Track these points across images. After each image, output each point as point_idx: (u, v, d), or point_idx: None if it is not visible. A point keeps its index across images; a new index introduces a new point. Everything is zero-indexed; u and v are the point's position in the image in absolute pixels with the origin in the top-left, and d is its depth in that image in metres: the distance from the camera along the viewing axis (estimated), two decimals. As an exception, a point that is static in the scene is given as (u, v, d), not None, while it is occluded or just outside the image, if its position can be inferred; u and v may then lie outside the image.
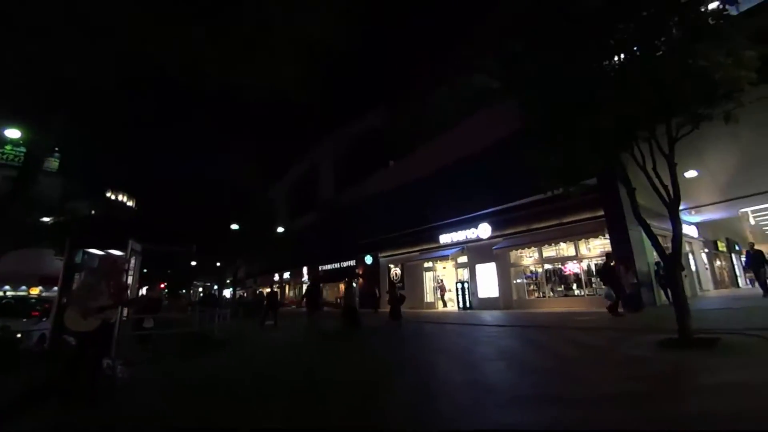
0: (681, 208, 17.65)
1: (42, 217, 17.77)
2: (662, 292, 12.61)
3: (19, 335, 7.98)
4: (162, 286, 35.69)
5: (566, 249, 15.22)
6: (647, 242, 13.54)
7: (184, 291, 55.05)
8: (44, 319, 9.25)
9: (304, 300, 13.77)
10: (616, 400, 3.46)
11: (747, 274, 21.71)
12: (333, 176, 30.75)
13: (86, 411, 3.79)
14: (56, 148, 32.84)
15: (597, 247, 14.55)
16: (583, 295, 14.37)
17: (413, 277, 20.81)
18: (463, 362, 5.72)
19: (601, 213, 13.50)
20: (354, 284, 14.35)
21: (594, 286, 14.29)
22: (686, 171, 13.19)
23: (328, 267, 28.45)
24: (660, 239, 13.98)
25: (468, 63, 18.53)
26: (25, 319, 9.02)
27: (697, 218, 19.28)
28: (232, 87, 8.39)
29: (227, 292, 38.61)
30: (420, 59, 22.26)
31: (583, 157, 7.23)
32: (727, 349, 5.18)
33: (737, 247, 24.57)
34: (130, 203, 36.60)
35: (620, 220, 12.69)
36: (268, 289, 26.14)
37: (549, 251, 15.66)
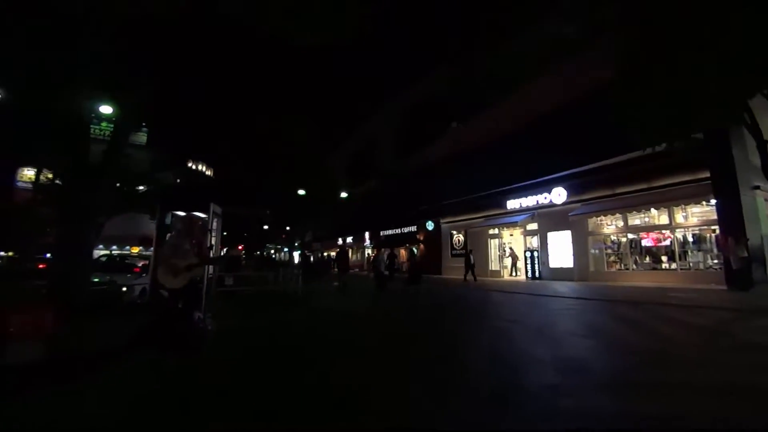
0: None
1: (136, 185, 19.81)
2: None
3: (123, 288, 9.07)
4: (240, 247, 38.99)
5: (657, 217, 13.46)
6: (762, 210, 11.50)
7: (258, 252, 59.93)
8: (144, 275, 10.45)
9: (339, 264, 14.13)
10: (746, 392, 2.87)
11: None
12: (394, 140, 30.25)
13: (180, 357, 4.10)
14: (143, 124, 36.13)
15: (696, 215, 12.66)
16: (676, 269, 12.74)
17: (477, 244, 20.07)
18: (546, 337, 5.27)
19: (704, 175, 11.57)
20: (384, 252, 14.49)
21: (689, 259, 12.59)
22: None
23: (389, 232, 28.66)
24: (766, 206, 11.87)
25: (542, 8, 16.50)
26: (128, 275, 10.21)
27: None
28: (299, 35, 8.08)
29: (296, 255, 41.17)
30: (485, 6, 20.18)
31: (701, 100, 6.01)
32: None
33: None
34: (208, 172, 39.73)
35: (731, 183, 10.74)
36: (335, 251, 27.18)
37: (635, 219, 13.99)
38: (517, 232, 18.56)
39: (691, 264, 12.62)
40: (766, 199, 11.30)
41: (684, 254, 12.79)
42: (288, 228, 40.12)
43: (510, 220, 18.03)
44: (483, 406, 2.78)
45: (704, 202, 11.93)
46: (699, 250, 12.47)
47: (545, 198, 16.61)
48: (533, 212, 17.20)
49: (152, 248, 10.00)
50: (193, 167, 37.57)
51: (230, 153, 26.02)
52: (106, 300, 6.73)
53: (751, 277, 9.64)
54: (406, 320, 7.36)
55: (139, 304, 7.62)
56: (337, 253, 15.56)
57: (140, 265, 11.24)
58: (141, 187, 22.78)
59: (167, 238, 5.03)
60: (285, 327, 6.43)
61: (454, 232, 21.99)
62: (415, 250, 16.33)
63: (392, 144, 30.06)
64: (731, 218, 10.52)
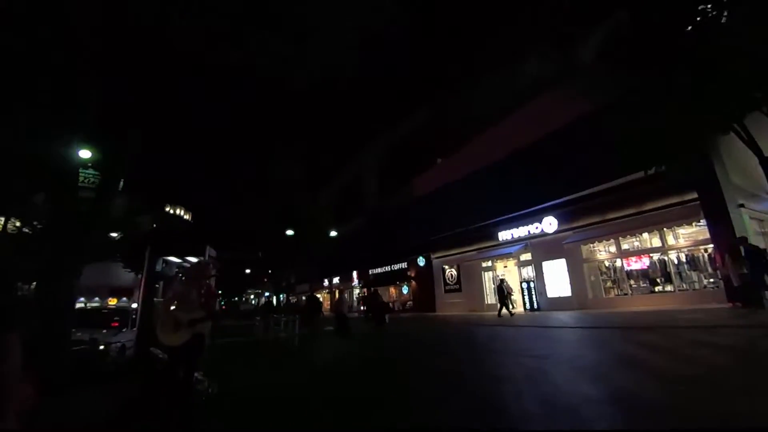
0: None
1: (109, 233, 18.79)
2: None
3: (102, 347, 8.11)
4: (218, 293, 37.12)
5: (649, 240, 13.63)
6: (749, 227, 11.83)
7: (236, 299, 57.34)
8: (123, 330, 9.47)
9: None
10: None
11: None
12: (379, 178, 30.42)
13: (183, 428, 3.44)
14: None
15: (686, 236, 12.89)
16: (674, 291, 12.73)
17: (471, 278, 19.79)
18: (581, 370, 4.87)
19: (692, 196, 11.91)
20: (345, 294, 14.70)
21: (685, 280, 12.63)
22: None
23: (379, 270, 28.04)
24: (758, 224, 12.28)
25: (521, 46, 17.50)
26: (104, 330, 9.19)
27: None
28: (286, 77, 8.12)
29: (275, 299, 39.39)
30: (465, 46, 21.32)
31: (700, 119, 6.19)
32: None
33: None
34: (186, 216, 38.49)
35: (719, 202, 11.06)
36: (319, 294, 26.19)
37: (628, 243, 14.12)
38: (511, 263, 18.42)
39: (686, 285, 12.65)
40: (750, 217, 11.64)
41: (679, 275, 12.85)
42: (270, 271, 38.79)
43: (503, 251, 17.92)
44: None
45: (694, 223, 12.18)
46: (694, 270, 12.55)
47: (537, 228, 16.68)
48: (526, 242, 17.19)
49: (134, 298, 9.18)
50: (171, 212, 36.35)
51: (211, 196, 25.37)
52: (88, 362, 5.88)
53: (755, 294, 9.61)
54: (421, 361, 6.80)
55: (121, 366, 6.75)
56: (308, 298, 15.22)
57: (117, 319, 10.24)
58: (114, 234, 21.66)
59: (163, 287, 4.40)
60: (293, 385, 5.77)
61: (447, 267, 21.66)
62: (346, 295, 15.92)
63: (378, 181, 30.23)
64: (724, 236, 10.70)
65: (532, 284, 16.48)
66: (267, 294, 55.67)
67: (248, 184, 22.06)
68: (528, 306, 16.30)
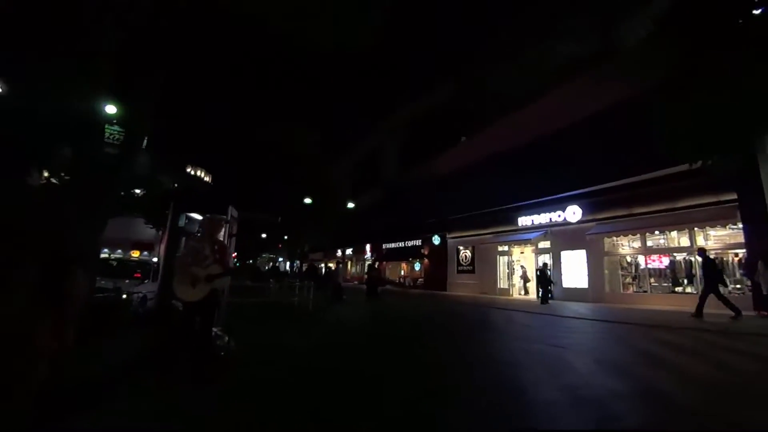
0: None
1: (132, 189, 19.38)
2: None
3: (124, 296, 8.37)
4: (234, 255, 38.07)
5: (677, 239, 13.11)
6: None
7: (251, 261, 58.78)
8: (146, 281, 9.76)
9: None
10: None
11: None
12: (400, 152, 29.94)
13: (197, 388, 3.47)
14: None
15: (717, 238, 12.34)
16: (696, 293, 12.31)
17: (485, 260, 19.62)
18: (607, 366, 4.74)
19: (730, 197, 11.29)
20: (341, 266, 16.04)
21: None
22: None
23: (392, 245, 28.13)
24: None
25: (555, 23, 16.42)
26: (127, 280, 9.47)
27: None
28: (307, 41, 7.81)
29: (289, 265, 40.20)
30: (496, 20, 20.16)
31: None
32: None
33: None
34: (206, 178, 39.03)
35: (760, 207, 10.41)
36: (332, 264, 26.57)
37: (654, 240, 13.64)
38: (528, 249, 18.14)
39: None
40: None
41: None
42: (286, 237, 39.39)
43: (521, 237, 17.60)
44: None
45: (729, 225, 11.60)
46: (724, 274, 12.08)
47: (559, 216, 16.25)
48: (546, 230, 16.81)
49: (155, 253, 9.39)
50: (192, 172, 36.88)
51: (232, 158, 25.50)
52: (112, 309, 6.06)
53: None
54: (435, 343, 6.80)
55: (142, 316, 6.96)
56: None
57: (140, 270, 10.54)
58: (137, 191, 22.25)
59: (184, 243, 4.42)
60: (311, 344, 5.85)
61: (461, 248, 21.50)
62: (341, 266, 16.22)
63: (399, 155, 29.77)
64: (760, 242, 10.17)
65: (548, 272, 16.20)
66: (280, 259, 56.96)
67: (270, 150, 22.00)
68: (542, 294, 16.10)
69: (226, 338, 4.94)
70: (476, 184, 20.82)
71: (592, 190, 15.13)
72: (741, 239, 11.10)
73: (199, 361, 3.68)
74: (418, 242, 25.19)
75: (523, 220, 17.73)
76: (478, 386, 3.83)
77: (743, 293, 11.15)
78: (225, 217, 5.44)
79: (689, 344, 6.11)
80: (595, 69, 13.58)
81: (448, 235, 22.57)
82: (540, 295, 14.03)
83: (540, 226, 17.00)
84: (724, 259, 12.00)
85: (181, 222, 6.61)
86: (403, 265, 27.90)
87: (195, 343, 3.74)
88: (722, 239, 12.15)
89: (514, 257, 19.03)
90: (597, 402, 3.25)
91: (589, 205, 15.19)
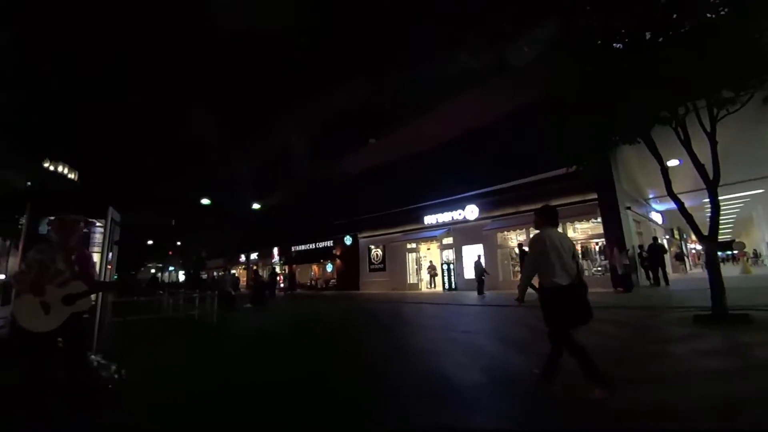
0: (650, 196, 18.61)
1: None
2: (645, 273, 13.22)
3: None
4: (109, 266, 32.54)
5: (553, 231, 15.51)
6: (633, 226, 14.27)
7: (133, 273, 51.13)
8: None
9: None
10: (704, 378, 3.32)
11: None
12: (309, 151, 29.34)
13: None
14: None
15: (582, 230, 14.97)
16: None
17: (396, 258, 20.45)
18: (508, 343, 5.37)
19: (592, 197, 13.82)
20: (231, 273, 15.60)
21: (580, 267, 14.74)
22: (669, 160, 13.81)
23: (302, 247, 27.37)
24: (636, 225, 14.84)
25: (461, 37, 18.05)
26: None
27: (662, 207, 20.54)
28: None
29: (182, 274, 36.10)
30: (411, 29, 21.34)
31: (609, 130, 7.07)
32: (763, 323, 5.29)
33: (684, 236, 26.93)
34: (71, 175, 32.53)
35: (613, 203, 13.06)
36: (235, 270, 24.71)
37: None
38: (434, 246, 19.46)
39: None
40: (633, 218, 13.97)
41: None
42: (179, 243, 35.27)
43: (428, 234, 18.82)
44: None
45: (592, 219, 14.15)
46: (588, 260, 14.71)
47: (459, 214, 17.81)
48: (449, 227, 18.27)
49: (1, 268, 7.52)
50: (51, 168, 30.50)
51: (109, 152, 21.85)
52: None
53: (631, 281, 11.69)
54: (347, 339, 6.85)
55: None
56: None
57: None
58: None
59: (28, 255, 3.18)
60: (223, 361, 5.34)
61: (373, 247, 22.03)
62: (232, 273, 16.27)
63: (309, 155, 29.14)
64: (615, 233, 12.70)
65: (452, 266, 17.66)
66: (171, 268, 50.70)
67: (160, 142, 19.49)
68: (447, 286, 17.47)
69: (113, 367, 4.12)
70: (386, 185, 21.62)
71: (486, 191, 16.98)
72: (600, 230, 13.65)
73: (76, 399, 2.94)
74: (330, 243, 25.01)
75: (429, 219, 18.97)
76: (411, 378, 4.00)
77: (603, 274, 13.72)
78: (80, 217, 4.47)
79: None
80: (492, 81, 15.22)
81: (359, 235, 22.89)
82: (478, 286, 13.89)
83: (444, 224, 18.41)
84: (588, 247, 14.63)
85: (42, 228, 5.35)
86: (314, 267, 27.38)
87: (67, 380, 2.86)
88: (586, 231, 14.77)
89: (422, 253, 20.24)
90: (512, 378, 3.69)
91: (485, 204, 17.00)
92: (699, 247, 29.17)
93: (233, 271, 35.37)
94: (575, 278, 3.13)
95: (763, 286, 9.14)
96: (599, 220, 13.59)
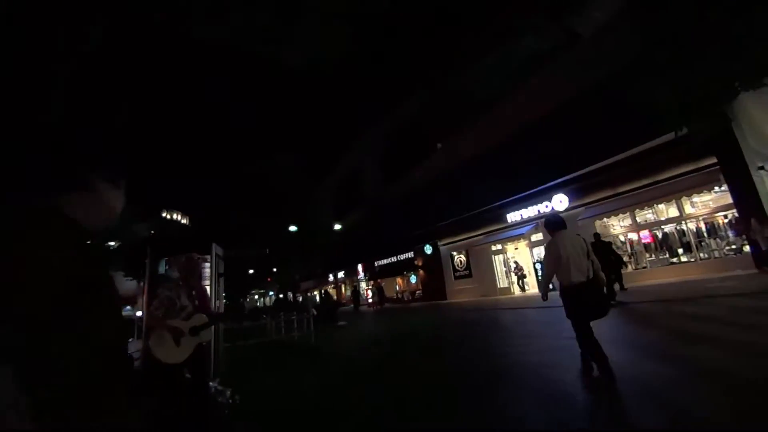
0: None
1: (107, 242, 18.43)
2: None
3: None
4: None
5: (666, 210, 13.25)
6: None
7: (241, 300, 56.79)
8: (130, 340, 9.00)
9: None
10: None
11: None
12: (378, 168, 29.84)
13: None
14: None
15: (703, 203, 12.53)
16: (695, 261, 12.39)
17: (481, 262, 19.39)
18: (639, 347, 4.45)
19: (709, 162, 11.51)
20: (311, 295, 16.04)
21: (704, 249, 12.30)
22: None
23: (384, 262, 27.63)
24: None
25: (516, 22, 16.85)
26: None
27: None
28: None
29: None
30: (456, 27, 20.63)
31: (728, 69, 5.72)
32: None
33: None
34: (183, 221, 37.78)
35: (741, 165, 10.64)
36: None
37: (644, 215, 13.77)
38: (522, 244, 18.04)
39: (705, 254, 12.32)
40: (770, 179, 11.26)
41: (699, 244, 12.51)
42: (275, 270, 38.25)
43: (513, 233, 17.51)
44: None
45: (714, 189, 11.77)
46: (715, 238, 12.22)
47: (546, 206, 16.26)
48: (536, 222, 16.77)
49: (137, 306, 8.67)
50: (168, 216, 35.72)
51: (211, 197, 24.78)
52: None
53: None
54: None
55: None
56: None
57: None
58: (112, 243, 21.16)
59: (158, 292, 3.55)
60: (324, 383, 5.31)
61: (455, 253, 21.24)
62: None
63: (379, 171, 29.66)
64: (748, 200, 10.30)
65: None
66: (271, 293, 55.26)
67: (249, 181, 21.55)
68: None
69: (228, 392, 4.39)
70: (460, 188, 20.85)
71: (574, 176, 15.27)
72: (727, 200, 11.25)
73: (205, 424, 3.15)
74: (410, 254, 24.82)
75: (512, 216, 17.67)
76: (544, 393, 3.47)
77: (739, 253, 11.25)
78: (199, 255, 4.90)
79: (722, 314, 5.94)
80: (560, 59, 13.84)
81: (439, 243, 22.31)
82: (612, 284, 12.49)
83: (530, 220, 16.96)
84: (715, 223, 12.16)
85: (161, 268, 6.01)
86: (398, 280, 27.39)
87: (195, 406, 3.18)
88: (708, 204, 12.33)
89: (510, 254, 18.89)
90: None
91: (575, 191, 15.28)
92: None
93: (314, 293, 37.39)
94: (589, 275, 3.54)
95: None
96: (724, 188, 11.18)
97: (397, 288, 27.48)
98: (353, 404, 3.91)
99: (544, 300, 3.96)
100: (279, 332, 11.75)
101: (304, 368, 6.62)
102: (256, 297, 59.34)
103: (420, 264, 23.98)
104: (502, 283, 18.60)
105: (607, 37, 10.34)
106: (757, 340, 3.99)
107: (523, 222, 17.25)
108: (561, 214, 15.32)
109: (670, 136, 10.11)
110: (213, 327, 5.70)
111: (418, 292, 24.50)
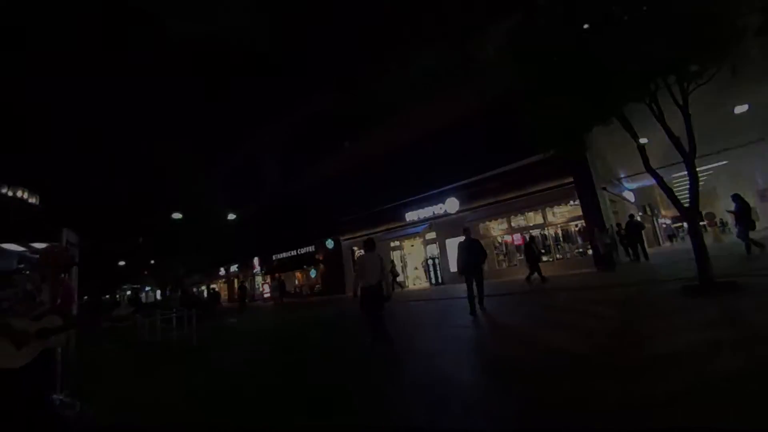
0: (622, 176, 19.11)
1: None
2: (624, 250, 13.51)
3: None
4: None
5: (533, 217, 15.66)
6: (609, 206, 14.57)
7: (107, 296, 48.78)
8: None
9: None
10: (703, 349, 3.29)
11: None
12: (281, 159, 28.70)
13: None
14: None
15: (563, 214, 15.18)
16: (552, 261, 14.94)
17: (379, 257, 20.20)
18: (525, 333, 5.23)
19: (568, 180, 13.98)
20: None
21: (560, 251, 14.95)
22: (640, 138, 14.19)
23: (284, 255, 26.71)
24: (612, 204, 15.18)
25: (434, 35, 17.99)
26: None
27: (633, 185, 21.21)
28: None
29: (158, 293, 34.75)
30: (377, 31, 21.14)
31: (584, 111, 7.06)
32: (751, 290, 5.33)
33: (655, 212, 28.02)
34: (32, 200, 30.71)
35: (589, 185, 13.27)
36: (215, 285, 23.80)
37: (517, 220, 16.04)
38: (418, 242, 19.33)
39: (562, 255, 14.99)
40: (609, 199, 14.27)
41: (556, 247, 15.13)
42: (153, 262, 33.79)
43: (410, 231, 18.67)
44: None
45: (570, 202, 14.33)
46: (568, 242, 14.91)
47: (440, 208, 17.74)
48: (430, 222, 18.17)
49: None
50: (9, 194, 28.77)
51: (72, 172, 20.64)
52: None
53: (613, 259, 11.89)
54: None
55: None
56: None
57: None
58: None
59: (12, 280, 2.85)
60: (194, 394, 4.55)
61: (356, 248, 21.68)
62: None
63: (282, 163, 28.49)
64: (594, 213, 12.90)
65: (437, 260, 17.58)
66: (147, 288, 48.69)
67: (124, 158, 18.56)
68: (433, 280, 17.40)
69: (78, 405, 3.75)
70: (364, 185, 21.34)
71: (466, 183, 16.98)
72: (578, 212, 13.86)
73: None
74: (311, 248, 24.50)
75: (410, 215, 18.83)
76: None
77: (584, 255, 13.96)
78: (61, 245, 4.08)
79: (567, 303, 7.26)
80: (463, 75, 15.16)
81: (341, 238, 22.51)
82: (528, 273, 12.40)
83: (425, 219, 18.30)
84: (568, 230, 14.85)
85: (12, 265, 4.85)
86: (298, 274, 26.80)
87: (29, 423, 2.58)
88: (564, 215, 14.98)
89: (406, 251, 20.08)
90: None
91: (465, 196, 17.00)
92: (668, 221, 30.43)
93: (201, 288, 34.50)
94: (376, 282, 5.11)
95: (737, 252, 9.42)
96: (577, 202, 13.76)
97: (296, 282, 26.86)
98: (226, 416, 3.51)
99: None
100: (154, 333, 10.42)
101: (177, 374, 5.96)
102: (128, 293, 51.64)
103: (321, 258, 23.85)
104: (401, 277, 19.66)
105: (493, 71, 11.73)
106: (589, 323, 5.07)
107: (420, 221, 18.52)
108: (452, 216, 16.98)
109: (541, 156, 12.02)
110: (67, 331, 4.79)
111: (317, 286, 24.34)
